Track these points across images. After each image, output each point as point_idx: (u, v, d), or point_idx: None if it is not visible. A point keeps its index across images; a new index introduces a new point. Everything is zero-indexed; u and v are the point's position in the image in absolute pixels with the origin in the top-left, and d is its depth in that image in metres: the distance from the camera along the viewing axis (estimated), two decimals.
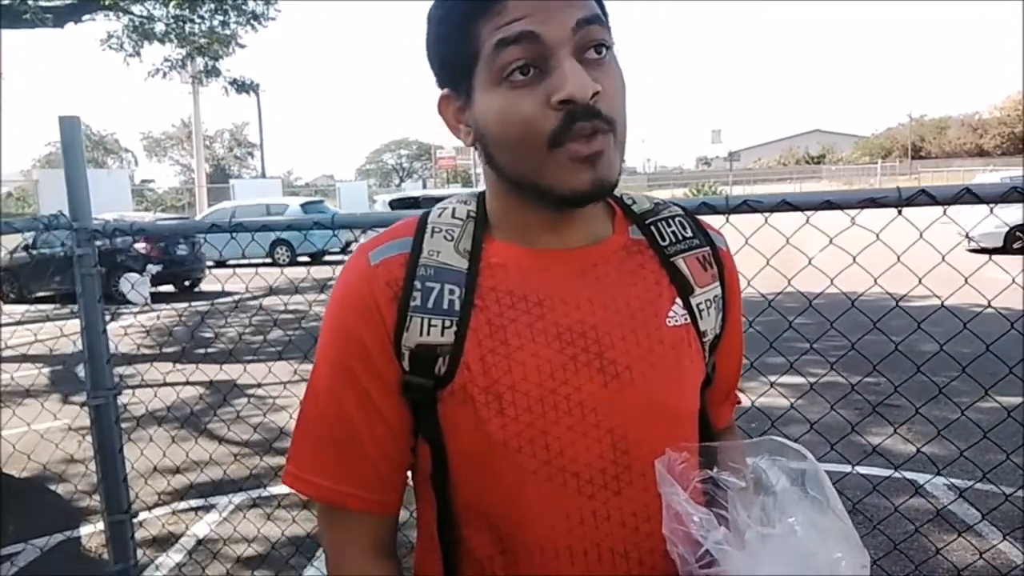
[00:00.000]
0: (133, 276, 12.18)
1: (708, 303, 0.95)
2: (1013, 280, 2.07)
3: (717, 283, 0.97)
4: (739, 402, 1.13)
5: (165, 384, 6.07)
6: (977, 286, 1.96)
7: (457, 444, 0.86)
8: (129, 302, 11.83)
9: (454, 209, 0.93)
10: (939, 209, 1.83)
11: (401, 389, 0.87)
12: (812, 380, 2.36)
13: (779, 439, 0.83)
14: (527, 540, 0.84)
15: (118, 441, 2.53)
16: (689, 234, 0.97)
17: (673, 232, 0.96)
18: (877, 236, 1.89)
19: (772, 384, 2.28)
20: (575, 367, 0.85)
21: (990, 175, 13.28)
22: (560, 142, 0.80)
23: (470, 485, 0.86)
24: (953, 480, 3.65)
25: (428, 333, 0.85)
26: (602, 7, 0.85)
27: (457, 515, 0.88)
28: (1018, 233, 13.39)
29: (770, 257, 1.94)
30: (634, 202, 0.99)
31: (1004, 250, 12.62)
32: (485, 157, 0.88)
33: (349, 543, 0.92)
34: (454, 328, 0.85)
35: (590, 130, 0.80)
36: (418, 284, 0.86)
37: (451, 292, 0.86)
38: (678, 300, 0.92)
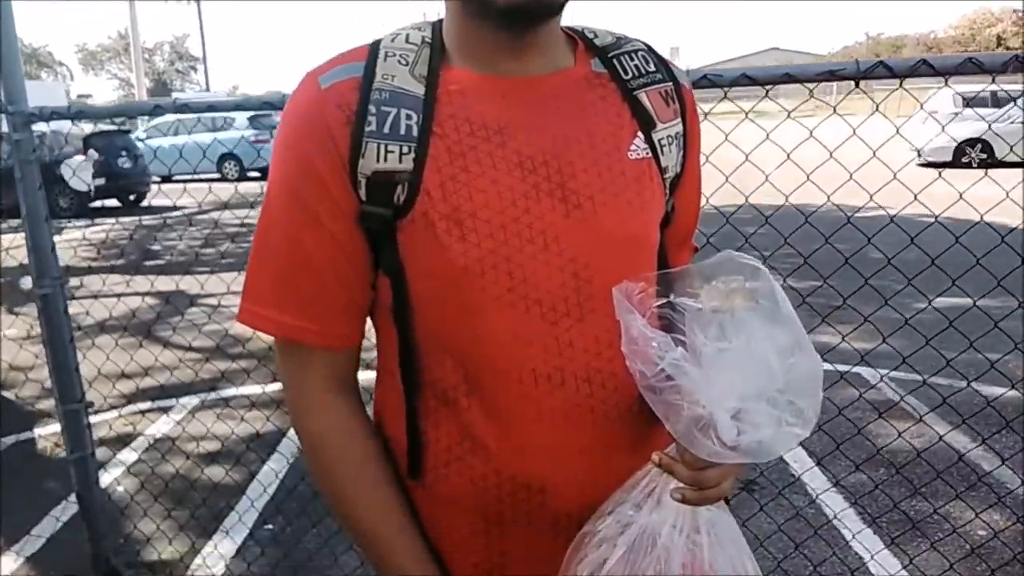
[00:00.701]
0: (75, 160, 11.55)
1: (669, 139, 0.94)
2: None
3: (679, 119, 0.96)
4: (697, 249, 1.14)
5: (112, 295, 5.95)
6: (926, 199, 2.06)
7: (418, 273, 0.85)
8: (71, 200, 11.26)
9: (408, 35, 0.89)
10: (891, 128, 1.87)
11: (358, 219, 0.85)
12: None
13: (734, 255, 0.83)
14: (491, 366, 0.85)
15: (68, 331, 2.49)
16: (652, 68, 0.95)
17: (636, 66, 0.94)
18: (834, 110, 1.91)
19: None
20: (537, 196, 0.84)
21: (944, 91, 13.44)
22: None
23: (432, 315, 0.86)
24: (891, 372, 3.82)
25: (385, 159, 0.82)
26: None
27: (418, 347, 0.87)
28: (967, 147, 13.68)
29: (728, 132, 1.94)
30: (596, 36, 0.96)
31: (953, 164, 12.89)
32: None
33: (309, 379, 0.90)
34: (412, 155, 0.83)
35: None
36: (373, 108, 0.83)
37: (408, 117, 0.83)
38: (639, 134, 0.92)
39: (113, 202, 13.84)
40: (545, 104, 0.88)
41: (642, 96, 0.93)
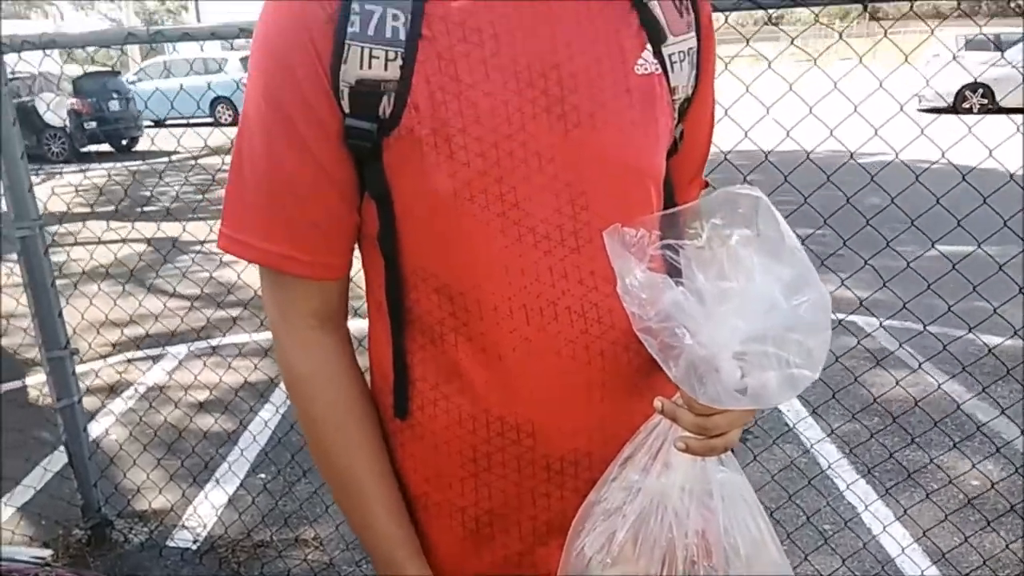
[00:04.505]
0: (48, 95, 11.40)
1: (682, 55, 0.85)
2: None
3: (693, 34, 0.86)
4: (707, 186, 1.06)
5: (104, 242, 5.86)
6: (927, 144, 1.97)
7: (404, 197, 0.78)
8: (49, 148, 11.12)
9: None
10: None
11: (342, 135, 0.77)
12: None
13: (731, 189, 0.76)
14: (479, 298, 0.79)
15: (49, 275, 2.43)
16: None
17: None
18: (840, 36, 1.81)
19: None
20: (533, 111, 0.76)
21: (948, 31, 13.18)
22: None
23: (419, 242, 0.79)
24: (892, 322, 3.78)
25: (370, 66, 0.75)
26: None
27: (405, 279, 0.81)
28: (967, 92, 13.43)
29: (727, 62, 1.84)
30: None
31: (954, 110, 12.68)
32: None
33: (294, 312, 0.84)
34: (399, 61, 0.75)
35: None
36: (356, 7, 0.74)
37: (395, 18, 0.75)
38: (648, 47, 0.82)
39: (105, 147, 13.65)
40: (546, 9, 0.78)
41: (653, 4, 0.83)
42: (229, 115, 17.31)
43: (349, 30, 0.74)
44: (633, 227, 0.77)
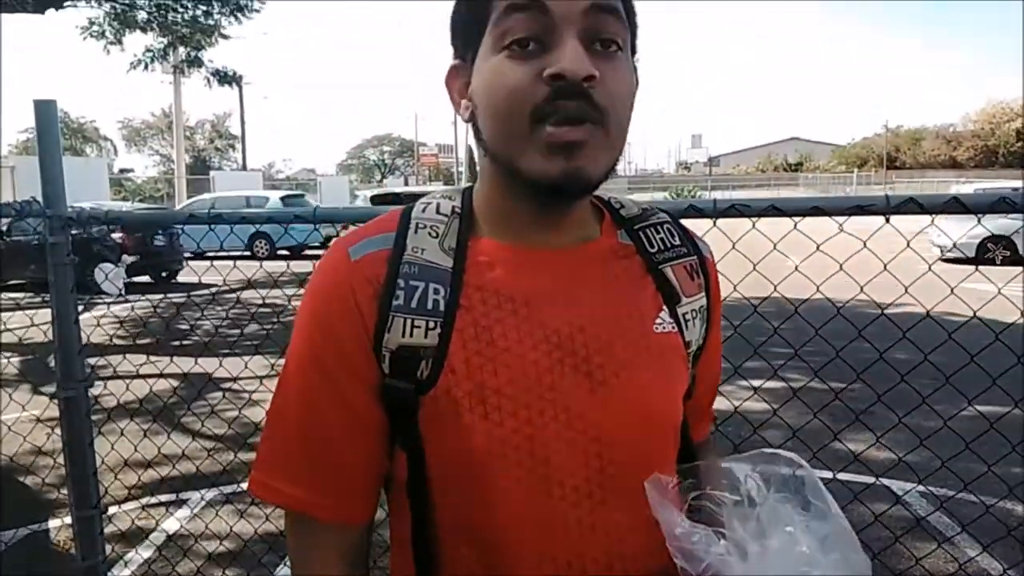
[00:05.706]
0: (108, 266, 11.99)
1: (694, 313, 0.94)
2: (1000, 291, 2.07)
3: (703, 293, 0.96)
4: (715, 419, 1.13)
5: (138, 376, 5.98)
6: (953, 297, 1.98)
7: (438, 452, 0.83)
8: (103, 292, 11.65)
9: (438, 205, 0.90)
10: (913, 222, 1.84)
11: (380, 393, 0.84)
12: (792, 386, 2.35)
13: (770, 450, 0.82)
14: (509, 550, 0.82)
15: (88, 434, 2.48)
16: (677, 242, 0.96)
17: (661, 239, 0.95)
18: (864, 244, 1.89)
19: (755, 389, 2.27)
20: (562, 371, 0.83)
21: (964, 187, 13.56)
22: (542, 119, 0.78)
23: (450, 495, 0.83)
24: (930, 488, 3.67)
25: (411, 334, 0.82)
26: (628, 7, 0.84)
27: (434, 526, 0.84)
28: (989, 244, 13.60)
29: (757, 262, 1.93)
30: (622, 206, 0.98)
31: (975, 260, 12.80)
32: (475, 133, 0.86)
33: (317, 555, 0.88)
34: (438, 329, 0.82)
35: (575, 111, 0.78)
36: (401, 283, 0.83)
37: (436, 292, 0.83)
38: (664, 308, 0.91)
39: (145, 278, 14.10)
40: (571, 276, 0.87)
41: (667, 270, 0.93)
42: (266, 249, 17.94)
43: (394, 303, 0.82)
44: (668, 476, 0.82)
